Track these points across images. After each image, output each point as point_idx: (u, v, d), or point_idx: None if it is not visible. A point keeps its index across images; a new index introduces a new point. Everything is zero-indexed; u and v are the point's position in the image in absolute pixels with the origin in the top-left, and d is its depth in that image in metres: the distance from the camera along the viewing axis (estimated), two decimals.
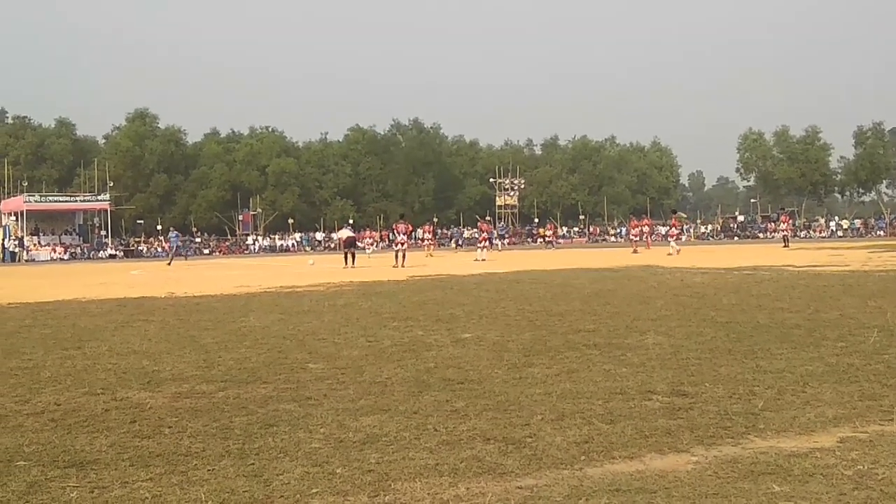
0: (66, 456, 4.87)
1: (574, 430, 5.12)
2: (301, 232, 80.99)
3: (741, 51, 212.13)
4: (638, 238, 44.06)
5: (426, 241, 46.71)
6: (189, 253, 54.89)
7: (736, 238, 76.55)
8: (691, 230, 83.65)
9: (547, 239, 64.43)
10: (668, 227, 42.15)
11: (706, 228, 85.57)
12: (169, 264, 40.04)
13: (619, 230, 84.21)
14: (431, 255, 41.97)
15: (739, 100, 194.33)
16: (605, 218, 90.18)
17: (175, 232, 49.69)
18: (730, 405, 5.68)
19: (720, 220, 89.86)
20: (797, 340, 8.45)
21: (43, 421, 5.76)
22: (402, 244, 31.07)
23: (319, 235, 79.70)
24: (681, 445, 4.78)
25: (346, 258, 30.80)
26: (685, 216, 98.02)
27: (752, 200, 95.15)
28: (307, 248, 74.10)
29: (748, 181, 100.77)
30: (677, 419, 5.34)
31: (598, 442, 4.86)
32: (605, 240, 79.37)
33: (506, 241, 47.28)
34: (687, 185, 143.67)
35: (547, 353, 8.08)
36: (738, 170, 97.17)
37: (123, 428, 5.49)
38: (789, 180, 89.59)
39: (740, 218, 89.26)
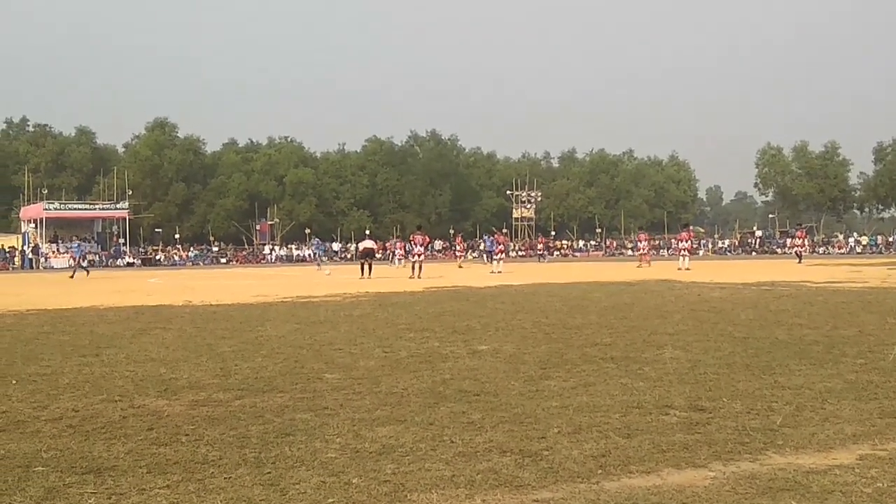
0: (83, 462, 4.89)
1: (591, 443, 5.11)
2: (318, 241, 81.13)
3: (760, 65, 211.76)
4: (645, 252, 44.00)
5: (458, 252, 46.74)
6: (86, 265, 46.14)
7: (754, 253, 76.11)
8: (709, 245, 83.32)
9: (539, 252, 63.41)
10: (678, 242, 40.67)
11: (724, 243, 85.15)
12: (71, 277, 36.10)
13: (635, 244, 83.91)
14: (462, 266, 42.01)
15: (758, 114, 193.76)
16: (623, 231, 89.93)
17: (77, 242, 46.39)
18: (748, 421, 5.65)
19: (738, 235, 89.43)
20: (816, 357, 8.39)
21: (61, 427, 5.79)
22: (419, 255, 31.13)
23: (336, 246, 79.79)
24: (698, 461, 4.75)
25: (362, 269, 30.84)
26: (702, 230, 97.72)
27: (771, 216, 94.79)
28: (323, 258, 74.20)
29: (766, 196, 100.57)
30: (695, 434, 5.31)
31: (615, 456, 4.84)
32: (622, 253, 79.04)
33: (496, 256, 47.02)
34: (705, 199, 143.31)
35: (563, 365, 8.06)
36: (756, 185, 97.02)
37: (141, 435, 5.51)
38: (808, 196, 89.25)
39: (758, 233, 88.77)
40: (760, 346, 9.27)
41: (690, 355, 8.59)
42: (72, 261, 43.80)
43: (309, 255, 74.61)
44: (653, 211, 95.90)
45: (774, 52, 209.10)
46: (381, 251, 47.57)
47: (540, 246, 65.27)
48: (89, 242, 70.41)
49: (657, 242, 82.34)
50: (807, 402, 6.21)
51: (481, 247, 63.30)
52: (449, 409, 6.13)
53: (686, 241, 37.27)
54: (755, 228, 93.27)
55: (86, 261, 45.37)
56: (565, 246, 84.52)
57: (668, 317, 12.74)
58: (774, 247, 77.19)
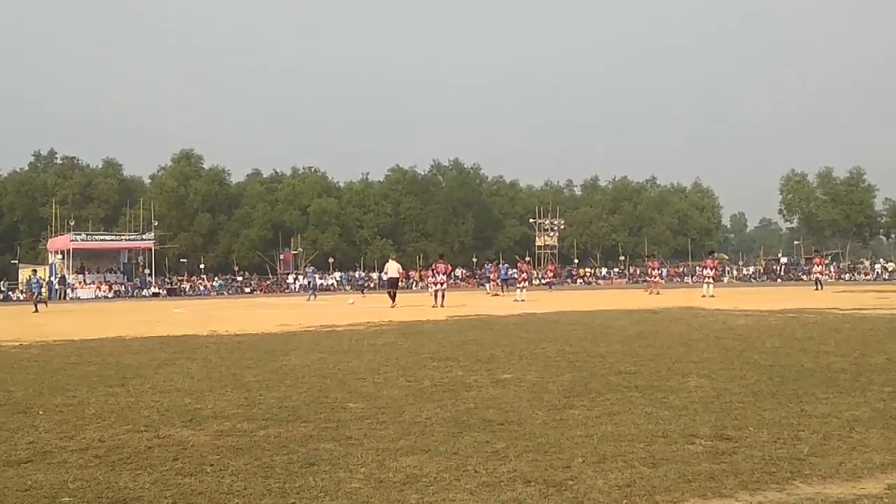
0: (109, 493, 4.93)
1: (616, 473, 5.08)
2: (341, 271, 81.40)
3: (783, 91, 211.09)
4: (655, 279, 44.12)
5: (491, 281, 46.58)
6: (48, 298, 44.72)
7: (779, 280, 75.54)
8: (733, 272, 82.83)
9: (546, 280, 62.81)
10: (702, 269, 40.49)
11: (748, 270, 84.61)
12: (35, 311, 34.61)
13: (659, 271, 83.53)
14: (496, 294, 41.92)
15: (782, 141, 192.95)
16: (646, 259, 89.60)
17: (37, 276, 43.65)
18: (774, 450, 5.60)
19: (763, 262, 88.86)
20: (843, 385, 8.31)
21: (87, 457, 5.83)
22: (442, 284, 31.14)
23: (360, 274, 79.98)
24: (725, 490, 4.72)
25: (391, 296, 31.17)
26: (726, 257, 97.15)
27: (796, 242, 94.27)
28: (347, 288, 74.43)
29: (791, 223, 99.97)
30: (721, 463, 5.27)
31: (641, 486, 4.81)
32: (645, 280, 78.60)
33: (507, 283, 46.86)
34: (729, 226, 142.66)
35: (587, 394, 8.03)
36: (780, 211, 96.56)
37: (166, 465, 5.54)
38: (833, 222, 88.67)
39: (783, 260, 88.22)
40: (786, 374, 9.19)
41: (716, 384, 8.53)
42: (35, 294, 39.69)
43: (333, 283, 74.97)
44: (676, 238, 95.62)
45: (798, 77, 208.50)
46: (404, 279, 47.38)
47: (550, 274, 64.79)
48: (115, 273, 71.06)
49: (681, 269, 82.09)
50: (834, 431, 6.15)
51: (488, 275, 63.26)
52: (473, 439, 6.12)
53: (710, 269, 36.94)
54: (780, 255, 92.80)
55: (43, 293, 42.23)
56: (588, 273, 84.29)
57: (692, 345, 12.66)
58: (800, 273, 76.63)
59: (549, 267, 73.36)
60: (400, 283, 34.94)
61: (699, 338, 13.88)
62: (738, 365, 10.06)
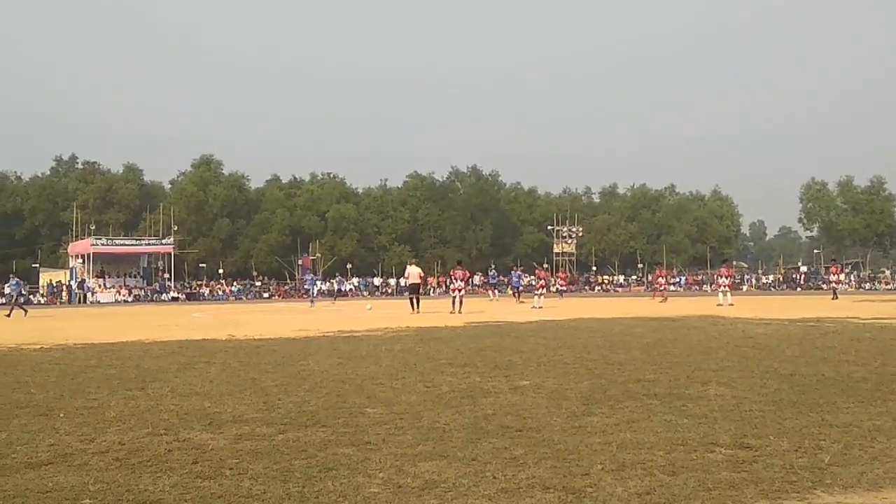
0: (129, 495, 4.95)
1: (635, 480, 5.06)
2: (359, 277, 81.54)
3: (804, 99, 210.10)
4: (663, 287, 44.18)
5: (491, 289, 46.46)
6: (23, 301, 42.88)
7: (798, 289, 75.06)
8: (752, 280, 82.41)
9: (559, 287, 61.85)
10: (718, 277, 40.16)
11: (768, 279, 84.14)
12: (8, 315, 34.01)
13: (678, 279, 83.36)
14: (524, 302, 41.85)
15: (802, 149, 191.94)
16: (665, 267, 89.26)
17: (16, 279, 42.16)
18: (795, 459, 5.56)
19: (782, 271, 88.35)
20: (864, 394, 8.25)
21: (108, 460, 5.87)
22: (460, 290, 31.06)
23: (377, 280, 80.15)
24: (745, 499, 4.69)
25: (412, 303, 30.55)
26: (746, 266, 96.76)
27: (816, 251, 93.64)
28: (365, 293, 74.54)
29: (811, 231, 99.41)
30: (741, 472, 5.24)
31: (660, 494, 4.79)
32: (664, 288, 78.37)
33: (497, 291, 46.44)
34: (748, 234, 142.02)
35: (606, 402, 8.01)
36: (800, 220, 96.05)
37: (186, 468, 5.56)
38: (853, 231, 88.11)
39: (803, 269, 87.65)
40: (807, 383, 9.13)
41: (735, 392, 8.49)
42: (13, 297, 39.32)
43: (350, 289, 75.07)
44: (695, 246, 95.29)
45: (819, 87, 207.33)
46: (424, 285, 46.96)
47: (562, 281, 64.11)
48: (135, 277, 71.47)
49: (700, 277, 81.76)
50: (855, 441, 6.11)
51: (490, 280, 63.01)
52: (491, 445, 6.11)
53: (726, 277, 36.78)
54: (800, 264, 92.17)
55: (23, 297, 41.42)
56: (606, 281, 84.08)
57: (711, 353, 12.60)
58: (820, 282, 76.11)
59: (560, 274, 73.19)
60: (421, 290, 34.72)
61: (718, 346, 13.82)
62: (758, 373, 10.00)
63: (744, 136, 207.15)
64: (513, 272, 50.03)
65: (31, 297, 66.08)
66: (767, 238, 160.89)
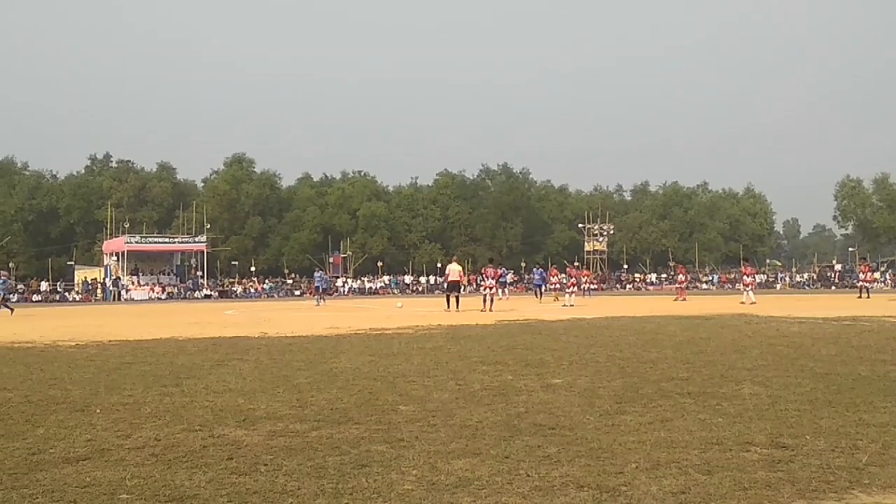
0: (166, 490, 5.00)
1: (670, 479, 5.03)
2: (390, 275, 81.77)
3: (839, 96, 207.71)
4: (684, 285, 43.56)
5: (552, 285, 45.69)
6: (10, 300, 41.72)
7: (833, 287, 74.22)
8: (786, 279, 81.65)
9: (585, 286, 60.50)
10: (742, 276, 39.55)
11: (802, 277, 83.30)
12: None
13: (710, 277, 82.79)
14: (557, 300, 41.61)
15: (836, 146, 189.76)
16: (697, 265, 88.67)
17: (3, 277, 40.91)
18: (832, 459, 5.50)
19: (817, 269, 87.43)
20: None
21: (144, 455, 5.93)
22: (490, 288, 30.99)
23: (408, 279, 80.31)
24: (782, 499, 4.65)
25: (448, 301, 30.21)
26: (779, 264, 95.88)
27: (851, 249, 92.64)
28: (395, 291, 74.72)
29: (846, 229, 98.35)
30: (777, 472, 5.19)
31: (695, 493, 4.76)
32: (696, 287, 77.88)
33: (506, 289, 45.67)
34: (782, 232, 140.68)
35: (639, 400, 7.97)
36: (835, 217, 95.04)
37: (221, 464, 5.61)
38: (889, 229, 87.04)
39: (837, 267, 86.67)
40: (843, 382, 9.03)
41: (770, 391, 8.42)
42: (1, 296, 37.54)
43: (381, 286, 75.23)
44: (728, 244, 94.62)
45: (852, 84, 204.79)
46: (465, 283, 46.39)
47: (584, 279, 63.04)
48: (168, 275, 72.15)
49: (732, 276, 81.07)
50: (893, 441, 6.03)
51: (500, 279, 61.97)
52: (524, 443, 6.11)
53: (748, 276, 36.47)
54: (834, 262, 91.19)
55: (15, 296, 40.07)
56: (638, 279, 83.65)
57: (745, 351, 12.50)
58: (854, 281, 75.17)
59: (585, 273, 72.95)
60: (463, 287, 34.23)
61: (752, 344, 13.70)
62: (793, 372, 9.91)
63: (778, 131, 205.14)
64: (535, 270, 49.53)
65: (66, 293, 67.07)
66: (801, 236, 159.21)
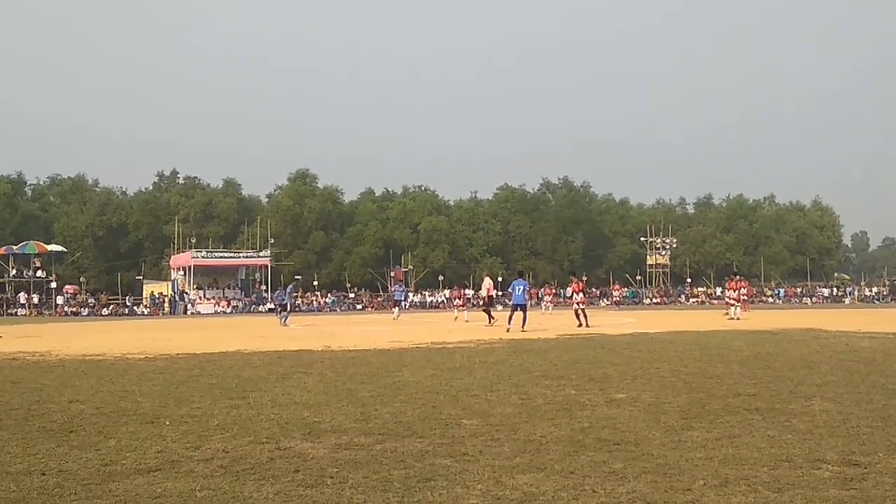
0: (235, 502, 5.10)
1: (739, 497, 4.96)
2: (451, 288, 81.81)
3: None
4: (736, 302, 40.25)
5: (459, 307, 44.88)
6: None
7: None
8: (855, 293, 79.81)
9: (613, 300, 58.26)
10: (729, 290, 37.45)
11: (871, 291, 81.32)
12: None
13: (776, 291, 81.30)
14: (467, 321, 41.13)
15: None
16: (762, 279, 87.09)
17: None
18: None
19: (886, 283, 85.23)
20: None
21: (213, 467, 6.03)
22: (581, 303, 30.14)
23: (469, 292, 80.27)
24: None
25: (488, 315, 30.45)
26: (847, 278, 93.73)
27: None
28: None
29: None
30: (850, 490, 5.09)
31: None
32: (762, 301, 76.55)
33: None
34: (850, 245, 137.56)
35: (706, 416, 7.86)
36: None
37: (288, 477, 5.68)
38: None
39: None
40: None
41: (841, 407, 8.24)
42: None
43: (443, 300, 75.21)
44: (794, 258, 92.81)
45: None
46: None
47: (616, 294, 59.74)
48: (233, 289, 73.23)
49: (799, 290, 79.58)
50: None
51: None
52: (589, 458, 6.07)
53: (734, 290, 34.81)
54: None
55: (86, 309, 39.78)
56: (702, 293, 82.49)
57: (814, 367, 12.26)
58: None
59: (615, 287, 72.43)
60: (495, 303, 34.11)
61: (821, 360, 13.43)
62: (864, 388, 9.69)
63: (847, 144, 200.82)
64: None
65: (135, 307, 68.47)
66: (870, 249, 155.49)
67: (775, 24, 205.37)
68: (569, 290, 31.35)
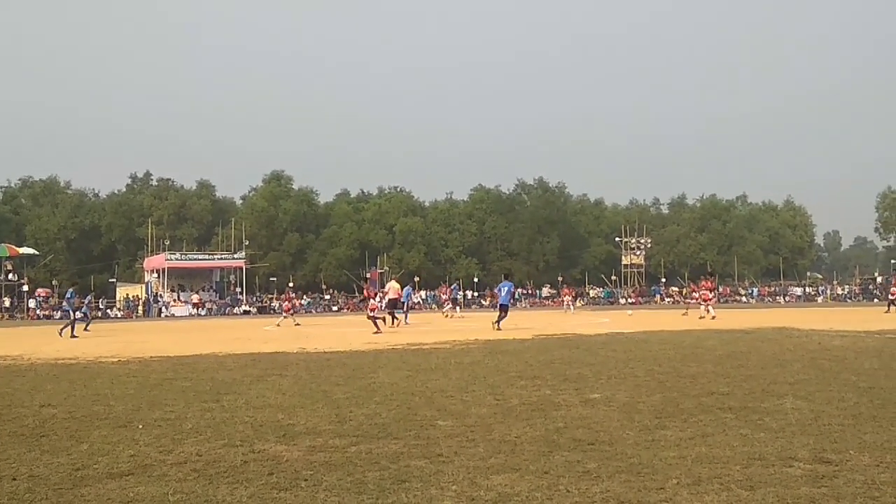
0: None
1: (712, 495, 4.99)
2: (427, 290, 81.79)
3: (879, 107, 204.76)
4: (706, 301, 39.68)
5: (445, 302, 45.01)
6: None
7: (875, 300, 73.01)
8: (827, 292, 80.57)
9: (567, 302, 57.14)
10: (697, 291, 37.55)
11: (843, 290, 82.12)
12: None
13: (749, 290, 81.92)
14: (450, 316, 41.42)
15: (878, 157, 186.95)
16: (736, 278, 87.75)
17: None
18: (877, 474, 5.43)
19: (858, 282, 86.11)
20: None
21: (186, 471, 5.99)
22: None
23: (456, 287, 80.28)
24: None
25: (386, 318, 29.65)
26: (820, 277, 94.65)
27: (893, 261, 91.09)
28: (433, 306, 74.71)
29: (888, 241, 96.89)
30: (821, 487, 5.14)
31: None
32: (736, 300, 77.09)
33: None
34: (822, 245, 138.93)
35: (679, 415, 7.91)
36: (876, 229, 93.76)
37: (262, 480, 5.65)
38: None
39: (879, 279, 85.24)
40: (887, 396, 8.90)
41: (813, 406, 8.32)
42: None
43: (419, 302, 75.19)
44: (768, 257, 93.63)
45: (889, 92, 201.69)
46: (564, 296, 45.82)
47: (567, 298, 58.56)
48: (208, 291, 72.80)
49: (772, 289, 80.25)
50: None
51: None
52: (563, 458, 6.09)
53: (708, 290, 34.91)
54: (876, 275, 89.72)
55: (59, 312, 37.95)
56: (676, 293, 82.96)
57: (787, 365, 12.37)
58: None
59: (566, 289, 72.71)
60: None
61: (793, 358, 13.55)
62: (836, 387, 9.78)
63: (819, 144, 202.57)
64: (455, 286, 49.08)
65: (108, 310, 67.89)
66: (842, 248, 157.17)
67: (740, 27, 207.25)
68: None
